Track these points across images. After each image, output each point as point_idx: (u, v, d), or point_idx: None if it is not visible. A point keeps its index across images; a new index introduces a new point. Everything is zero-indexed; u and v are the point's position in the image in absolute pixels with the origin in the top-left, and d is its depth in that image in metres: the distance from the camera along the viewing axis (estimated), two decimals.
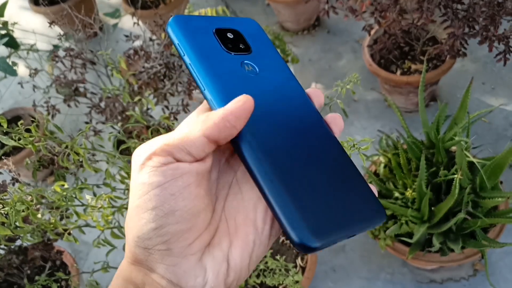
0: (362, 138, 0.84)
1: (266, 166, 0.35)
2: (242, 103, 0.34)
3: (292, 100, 0.42)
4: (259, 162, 0.35)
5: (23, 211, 0.84)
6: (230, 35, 0.42)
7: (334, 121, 0.41)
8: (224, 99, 0.36)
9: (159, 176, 0.32)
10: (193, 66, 0.38)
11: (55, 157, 0.97)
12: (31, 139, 0.90)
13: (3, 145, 2.04)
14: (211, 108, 0.37)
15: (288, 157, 0.36)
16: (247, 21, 0.45)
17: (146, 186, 0.32)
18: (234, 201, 0.36)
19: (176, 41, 0.40)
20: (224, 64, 0.40)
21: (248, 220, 0.35)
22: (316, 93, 0.41)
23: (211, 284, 0.33)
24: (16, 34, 2.13)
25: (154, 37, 1.62)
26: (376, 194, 0.41)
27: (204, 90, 0.37)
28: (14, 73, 1.75)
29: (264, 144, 0.36)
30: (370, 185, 0.41)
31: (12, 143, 0.90)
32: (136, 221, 0.32)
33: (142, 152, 0.34)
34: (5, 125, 0.90)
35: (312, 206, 0.35)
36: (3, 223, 0.88)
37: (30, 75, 1.64)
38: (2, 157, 1.94)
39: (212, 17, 0.43)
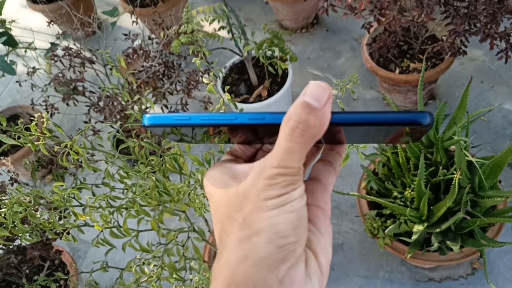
0: None
1: None
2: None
3: None
4: None
5: (20, 212, 0.84)
6: None
7: None
8: None
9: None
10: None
11: (54, 158, 0.97)
12: (30, 137, 0.89)
13: (1, 143, 2.04)
14: None
15: None
16: None
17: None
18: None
19: None
20: None
21: (316, 226, 0.38)
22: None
23: None
24: (14, 32, 2.12)
25: (153, 36, 1.62)
26: None
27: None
28: (13, 72, 1.75)
29: None
30: None
31: (11, 141, 0.90)
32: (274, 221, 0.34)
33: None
34: (4, 123, 0.90)
35: None
36: (1, 224, 0.88)
37: (28, 74, 1.64)
38: (1, 156, 1.94)
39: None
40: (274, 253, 0.33)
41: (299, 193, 0.35)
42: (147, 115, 0.38)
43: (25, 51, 1.86)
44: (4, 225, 0.86)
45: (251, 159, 0.43)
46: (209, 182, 0.38)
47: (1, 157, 1.82)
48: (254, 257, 0.33)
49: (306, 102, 0.33)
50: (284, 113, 0.35)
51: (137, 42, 1.49)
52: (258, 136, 0.41)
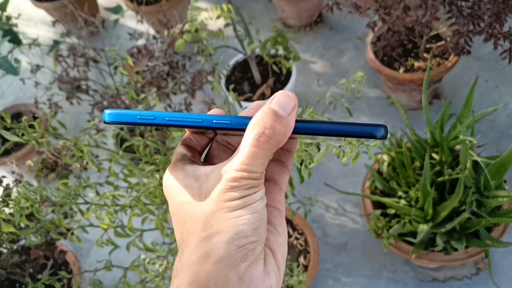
0: None
1: None
2: None
3: None
4: None
5: (27, 208, 0.84)
6: None
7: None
8: None
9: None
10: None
11: (58, 160, 0.97)
12: (34, 135, 0.89)
13: (4, 141, 2.04)
14: None
15: None
16: None
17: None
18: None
19: None
20: None
21: (273, 226, 0.40)
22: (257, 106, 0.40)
23: (270, 285, 0.37)
24: (19, 28, 2.12)
25: (157, 35, 1.61)
26: None
27: None
28: (16, 72, 1.75)
29: None
30: None
31: (15, 138, 0.90)
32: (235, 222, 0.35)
33: None
34: (8, 120, 0.90)
35: None
36: (8, 220, 0.88)
37: (31, 71, 1.64)
38: (3, 154, 1.93)
39: None
40: (235, 252, 0.34)
41: (260, 195, 0.36)
42: (107, 111, 0.38)
43: (30, 48, 1.85)
44: (10, 221, 0.86)
45: (204, 148, 0.44)
46: (170, 182, 0.39)
47: (3, 156, 1.82)
48: (215, 256, 0.34)
49: (273, 109, 0.35)
50: (250, 118, 0.37)
51: (141, 42, 1.49)
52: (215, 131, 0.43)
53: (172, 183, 0.39)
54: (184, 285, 0.35)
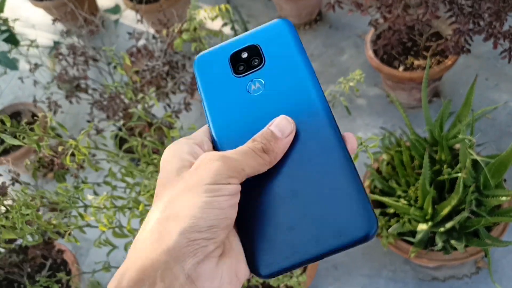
0: (365, 135, 0.84)
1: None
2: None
3: (300, 112, 0.41)
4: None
5: (27, 215, 0.83)
6: (244, 55, 0.43)
7: (349, 139, 0.41)
8: (221, 142, 0.41)
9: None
10: (205, 109, 0.43)
11: (55, 158, 0.97)
12: (35, 138, 0.89)
13: (2, 142, 2.03)
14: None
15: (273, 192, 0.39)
16: (274, 26, 0.45)
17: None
18: None
19: (198, 85, 0.44)
20: (228, 94, 0.42)
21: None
22: (349, 138, 0.41)
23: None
24: (17, 30, 2.11)
25: (156, 34, 1.61)
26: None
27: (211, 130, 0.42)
28: (15, 67, 1.74)
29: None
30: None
31: (16, 142, 0.90)
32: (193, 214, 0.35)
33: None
34: (8, 124, 0.89)
35: (273, 235, 0.37)
36: (7, 226, 0.87)
37: (30, 70, 1.63)
38: (1, 154, 1.93)
39: (233, 40, 0.45)
40: (184, 245, 0.33)
41: (230, 191, 0.36)
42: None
43: (28, 49, 1.85)
44: (10, 228, 0.85)
45: None
46: (169, 152, 0.40)
47: (1, 157, 1.82)
48: (165, 245, 0.33)
49: (271, 130, 0.39)
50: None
51: (141, 42, 1.49)
52: None
53: (171, 153, 0.40)
54: (133, 270, 0.34)
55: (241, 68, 0.43)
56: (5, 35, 1.77)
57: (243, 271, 0.38)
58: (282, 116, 0.40)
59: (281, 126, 0.39)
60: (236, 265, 0.37)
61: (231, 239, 0.38)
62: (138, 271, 0.33)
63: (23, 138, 0.89)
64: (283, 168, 0.39)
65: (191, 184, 0.36)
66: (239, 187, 0.37)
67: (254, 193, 0.39)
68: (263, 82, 0.42)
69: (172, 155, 0.40)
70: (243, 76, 0.42)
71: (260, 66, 0.42)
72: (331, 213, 0.36)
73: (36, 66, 1.64)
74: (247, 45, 0.44)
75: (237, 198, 0.37)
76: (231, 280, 0.36)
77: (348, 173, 0.38)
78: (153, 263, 0.33)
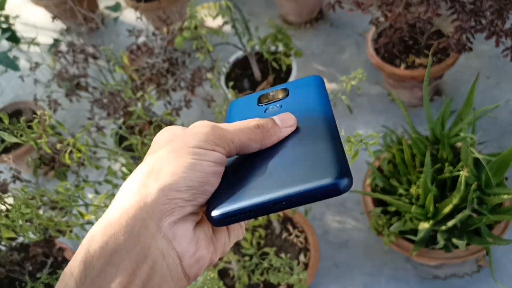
0: (366, 133, 0.83)
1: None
2: None
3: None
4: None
5: (27, 213, 0.83)
6: (272, 94, 0.47)
7: None
8: None
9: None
10: None
11: (56, 155, 0.96)
12: (33, 135, 0.89)
13: (3, 140, 2.03)
14: None
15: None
16: (306, 78, 0.48)
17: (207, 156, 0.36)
18: None
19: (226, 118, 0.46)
20: (247, 114, 0.45)
21: None
22: None
23: (201, 254, 0.35)
24: (17, 27, 2.11)
25: (156, 32, 1.61)
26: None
27: None
28: (16, 67, 1.74)
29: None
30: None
31: (14, 139, 0.89)
32: (177, 173, 0.34)
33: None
34: (6, 121, 0.89)
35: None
36: (7, 225, 0.87)
37: (31, 69, 1.63)
38: (3, 152, 1.93)
39: (268, 89, 0.48)
40: (162, 203, 0.33)
41: (214, 158, 0.36)
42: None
43: (28, 47, 1.85)
44: (9, 227, 0.85)
45: None
46: (163, 131, 0.40)
47: (2, 154, 1.82)
48: (142, 202, 0.33)
49: (272, 119, 0.41)
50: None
51: (141, 39, 1.48)
52: None
53: (163, 131, 0.40)
54: (113, 220, 0.33)
55: (265, 100, 0.46)
56: (7, 34, 1.77)
57: (222, 242, 0.38)
58: (287, 113, 0.42)
59: (283, 117, 0.41)
60: (214, 235, 0.37)
61: None
62: (115, 226, 0.33)
63: (21, 136, 0.89)
64: (271, 154, 0.39)
65: (178, 146, 0.36)
66: (224, 158, 0.37)
67: (237, 169, 0.39)
68: (281, 107, 0.44)
69: (164, 132, 0.40)
70: (265, 104, 0.45)
71: (282, 98, 0.45)
72: (299, 166, 0.37)
73: (37, 64, 1.63)
74: (276, 88, 0.47)
75: (220, 168, 0.37)
76: (208, 247, 0.36)
77: (329, 135, 0.39)
78: (128, 219, 0.33)
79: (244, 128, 0.39)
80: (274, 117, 0.41)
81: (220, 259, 1.49)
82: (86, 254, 0.32)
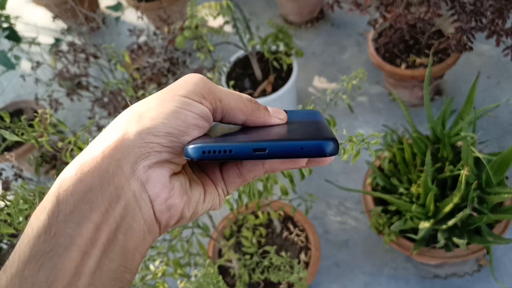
0: (366, 133, 0.83)
1: None
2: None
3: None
4: None
5: (26, 209, 0.83)
6: None
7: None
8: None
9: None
10: None
11: (58, 153, 0.96)
12: (34, 134, 0.89)
13: (5, 138, 2.03)
14: None
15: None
16: (307, 111, 0.47)
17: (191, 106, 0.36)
18: None
19: None
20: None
21: (210, 177, 0.40)
22: None
23: (173, 202, 0.34)
24: (18, 27, 2.11)
25: (157, 31, 1.61)
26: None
27: None
28: (13, 67, 1.74)
29: None
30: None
31: (15, 138, 0.90)
32: (160, 116, 0.34)
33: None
34: (8, 120, 0.89)
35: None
36: (5, 221, 0.87)
37: (32, 68, 1.63)
38: (5, 151, 1.93)
39: None
40: (138, 146, 0.33)
41: (199, 110, 0.35)
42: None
43: (29, 46, 1.85)
44: (8, 222, 0.85)
45: None
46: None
47: (5, 152, 1.82)
48: (119, 143, 0.33)
49: (265, 106, 0.40)
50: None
51: (142, 38, 1.48)
52: None
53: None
54: (88, 159, 0.33)
55: None
56: (7, 32, 1.77)
57: (195, 199, 0.37)
58: (281, 109, 0.42)
59: (275, 109, 0.41)
60: (190, 190, 0.36)
61: (194, 176, 0.38)
62: (90, 164, 0.32)
63: (22, 134, 0.89)
64: (255, 130, 0.39)
65: (165, 93, 0.36)
66: (209, 114, 0.36)
67: (219, 131, 0.39)
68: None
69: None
70: None
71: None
72: (285, 135, 0.37)
73: (38, 64, 1.64)
74: None
75: (203, 123, 0.36)
76: (182, 197, 0.35)
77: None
78: (104, 158, 0.32)
79: (236, 95, 0.38)
80: (268, 107, 0.41)
81: (221, 257, 1.49)
82: (59, 189, 0.32)
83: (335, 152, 0.34)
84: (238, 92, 0.39)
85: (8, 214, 0.82)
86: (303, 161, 0.38)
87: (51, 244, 0.30)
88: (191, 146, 0.34)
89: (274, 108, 0.41)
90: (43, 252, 0.30)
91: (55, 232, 0.30)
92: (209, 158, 0.34)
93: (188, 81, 0.36)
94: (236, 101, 0.38)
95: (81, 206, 0.31)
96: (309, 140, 0.34)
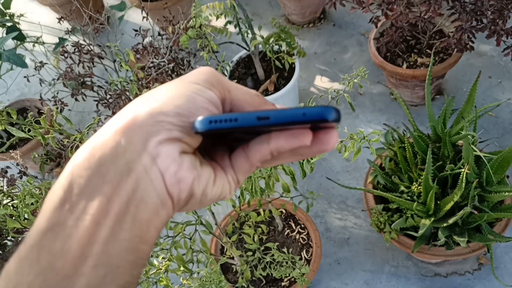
0: (367, 131, 0.84)
1: None
2: None
3: None
4: None
5: (32, 204, 0.85)
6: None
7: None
8: None
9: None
10: None
11: (63, 151, 0.98)
12: (40, 130, 0.90)
13: (10, 136, 2.05)
14: None
15: None
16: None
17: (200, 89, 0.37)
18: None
19: None
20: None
21: (234, 167, 0.41)
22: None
23: (182, 175, 0.35)
24: (22, 27, 2.13)
25: (162, 32, 1.62)
26: None
27: None
28: (24, 65, 1.76)
29: None
30: None
31: (22, 134, 0.91)
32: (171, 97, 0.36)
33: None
34: (14, 116, 0.91)
35: None
36: (11, 216, 0.89)
37: (35, 68, 1.65)
38: (9, 149, 1.95)
39: None
40: (150, 124, 0.34)
41: (209, 96, 0.36)
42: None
43: (33, 46, 1.86)
44: (14, 217, 0.87)
45: None
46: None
47: (10, 150, 1.84)
48: (132, 121, 0.34)
49: (273, 103, 0.41)
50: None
51: (147, 39, 1.50)
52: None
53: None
54: (101, 138, 0.34)
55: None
56: (14, 33, 1.78)
57: (205, 178, 0.38)
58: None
59: (282, 107, 0.42)
60: (201, 168, 0.37)
61: (204, 161, 0.39)
62: (102, 142, 0.34)
63: (29, 131, 0.91)
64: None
65: (176, 81, 0.37)
66: (218, 101, 0.37)
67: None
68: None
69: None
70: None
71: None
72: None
73: (42, 64, 1.65)
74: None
75: (213, 108, 0.37)
76: (191, 171, 0.36)
77: None
78: (116, 136, 0.34)
79: (244, 89, 0.40)
80: (274, 104, 0.42)
81: (223, 254, 1.50)
82: (73, 165, 0.33)
83: (337, 118, 0.35)
84: (246, 88, 0.40)
85: (14, 207, 0.83)
86: (308, 138, 0.37)
87: (66, 215, 0.32)
88: (199, 119, 0.35)
89: (281, 106, 0.42)
90: (59, 223, 0.32)
91: (70, 204, 0.32)
92: (216, 128, 0.35)
93: (199, 72, 0.38)
94: (244, 94, 0.39)
95: (93, 179, 0.33)
96: (314, 107, 0.35)
